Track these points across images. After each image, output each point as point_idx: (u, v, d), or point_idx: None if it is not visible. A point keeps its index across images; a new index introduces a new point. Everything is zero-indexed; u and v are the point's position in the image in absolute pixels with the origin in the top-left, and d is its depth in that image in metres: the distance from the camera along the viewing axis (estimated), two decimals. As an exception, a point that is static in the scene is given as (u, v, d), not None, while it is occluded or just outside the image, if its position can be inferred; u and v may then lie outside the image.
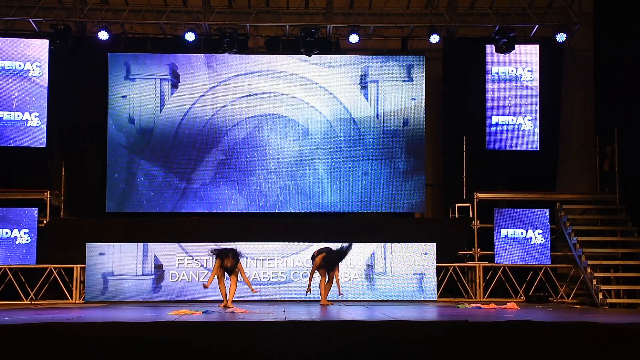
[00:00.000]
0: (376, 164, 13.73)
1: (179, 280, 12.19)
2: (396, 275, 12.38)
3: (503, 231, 13.18)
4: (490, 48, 13.66)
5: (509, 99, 13.74)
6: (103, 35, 13.12)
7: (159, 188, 13.47)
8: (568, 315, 9.94)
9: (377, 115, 13.81)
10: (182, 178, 13.51)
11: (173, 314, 9.48)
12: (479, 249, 13.23)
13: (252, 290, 10.69)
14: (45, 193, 12.81)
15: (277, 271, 12.34)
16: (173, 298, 12.12)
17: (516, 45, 13.44)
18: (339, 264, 11.24)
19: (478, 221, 13.28)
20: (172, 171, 13.53)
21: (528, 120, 13.71)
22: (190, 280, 12.21)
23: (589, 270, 12.43)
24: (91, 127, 13.93)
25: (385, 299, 12.19)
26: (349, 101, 13.81)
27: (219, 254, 10.74)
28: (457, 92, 14.20)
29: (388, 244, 12.42)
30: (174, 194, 13.46)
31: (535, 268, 13.12)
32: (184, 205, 13.50)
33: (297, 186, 13.67)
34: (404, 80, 13.87)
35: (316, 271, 11.24)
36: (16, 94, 13.22)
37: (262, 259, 12.33)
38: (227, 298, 10.69)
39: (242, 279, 10.78)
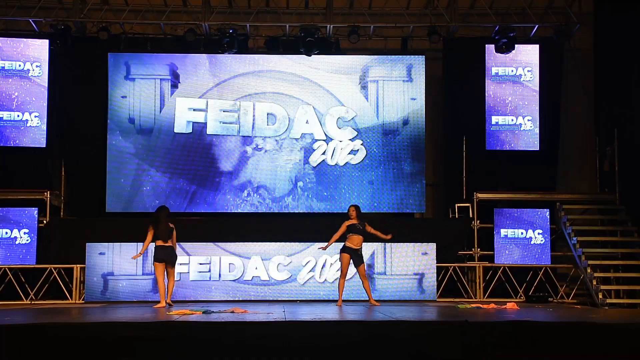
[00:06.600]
0: (376, 164, 13.73)
1: (179, 280, 12.16)
2: (396, 275, 12.37)
3: (503, 231, 13.17)
4: (490, 48, 13.67)
5: (509, 99, 13.74)
6: (103, 35, 13.12)
7: (164, 191, 13.49)
8: (568, 315, 9.94)
9: (377, 115, 13.81)
10: (185, 179, 13.52)
11: (173, 313, 9.48)
12: (479, 249, 13.22)
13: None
14: (45, 193, 12.81)
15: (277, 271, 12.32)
16: (173, 298, 12.07)
17: (516, 45, 13.45)
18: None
19: (478, 221, 13.27)
20: (174, 173, 13.53)
21: (528, 120, 13.71)
22: (190, 280, 12.19)
23: (589, 270, 12.42)
24: (91, 127, 13.92)
25: (385, 298, 12.17)
26: (349, 101, 13.81)
27: (151, 222, 10.72)
28: (457, 92, 14.20)
29: (388, 244, 12.39)
30: (178, 197, 13.47)
31: (535, 268, 13.11)
32: (186, 207, 13.52)
33: (297, 186, 13.68)
34: (404, 80, 13.87)
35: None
36: (16, 94, 13.22)
37: (262, 259, 12.32)
38: (167, 295, 10.73)
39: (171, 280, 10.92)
